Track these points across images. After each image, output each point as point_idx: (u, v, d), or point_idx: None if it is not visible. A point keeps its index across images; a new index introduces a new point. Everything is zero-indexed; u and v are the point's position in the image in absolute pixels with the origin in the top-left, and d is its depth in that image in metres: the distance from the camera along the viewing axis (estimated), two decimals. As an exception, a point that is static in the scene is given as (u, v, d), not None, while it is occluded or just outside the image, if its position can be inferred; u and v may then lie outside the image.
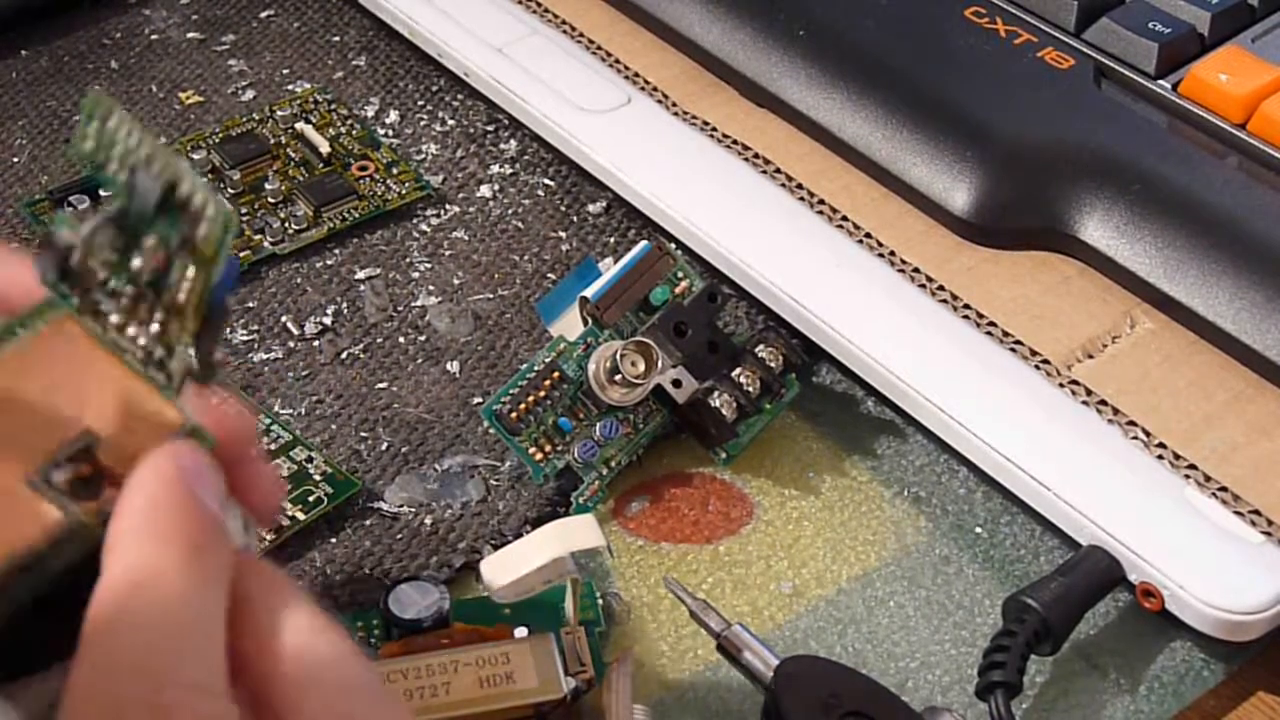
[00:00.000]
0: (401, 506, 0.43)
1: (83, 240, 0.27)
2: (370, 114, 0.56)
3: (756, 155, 0.50)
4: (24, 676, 0.25)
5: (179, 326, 0.27)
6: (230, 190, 0.52)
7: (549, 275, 0.50)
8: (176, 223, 0.26)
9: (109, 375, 0.27)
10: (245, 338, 0.47)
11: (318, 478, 0.43)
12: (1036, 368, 0.44)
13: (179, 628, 0.24)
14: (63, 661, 0.24)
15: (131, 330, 0.27)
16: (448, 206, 0.52)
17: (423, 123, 0.55)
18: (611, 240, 0.51)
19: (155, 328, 0.27)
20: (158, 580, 0.24)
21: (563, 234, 0.51)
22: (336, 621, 0.26)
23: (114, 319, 0.27)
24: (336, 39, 0.59)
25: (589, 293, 0.43)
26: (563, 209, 0.52)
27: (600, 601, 0.40)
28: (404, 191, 0.52)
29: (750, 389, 0.43)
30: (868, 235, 0.47)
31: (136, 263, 0.27)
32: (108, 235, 0.27)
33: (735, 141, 0.50)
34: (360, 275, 0.50)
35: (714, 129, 0.51)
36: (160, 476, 0.25)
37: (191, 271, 0.26)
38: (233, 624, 0.25)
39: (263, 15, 0.60)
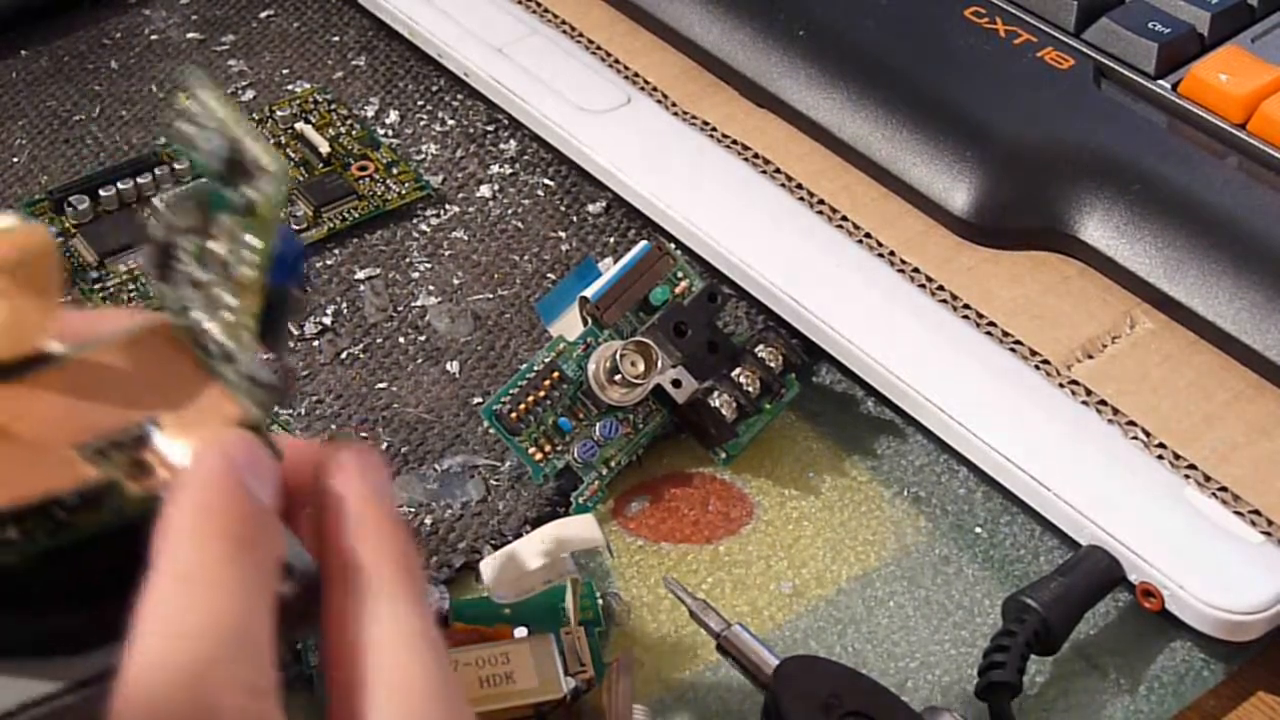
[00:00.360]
0: (401, 506, 0.43)
1: (165, 224, 0.28)
2: (370, 114, 0.56)
3: (756, 155, 0.50)
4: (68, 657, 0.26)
5: (244, 309, 0.27)
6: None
7: (549, 275, 0.50)
8: (238, 187, 0.27)
9: (185, 371, 0.28)
10: (245, 338, 0.47)
11: (318, 478, 0.43)
12: (1036, 368, 0.44)
13: (223, 626, 0.24)
14: (108, 645, 0.25)
15: (208, 323, 0.28)
16: (448, 206, 0.52)
17: (423, 123, 0.55)
18: (611, 240, 0.51)
19: (227, 315, 0.27)
20: (202, 577, 0.24)
21: (563, 234, 0.51)
22: (433, 630, 0.26)
23: (195, 312, 0.28)
24: (336, 39, 0.59)
25: (589, 293, 0.43)
26: (563, 209, 0.52)
27: (600, 601, 0.40)
28: (404, 191, 0.52)
29: (750, 389, 0.43)
30: (868, 235, 0.47)
31: (212, 245, 0.28)
32: (189, 218, 0.28)
33: (735, 141, 0.50)
34: (360, 275, 0.50)
35: (714, 129, 0.51)
36: (208, 469, 0.25)
37: (251, 239, 0.27)
38: (328, 609, 0.25)
39: (263, 15, 0.60)
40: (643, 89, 0.53)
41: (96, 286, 0.48)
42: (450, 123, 0.55)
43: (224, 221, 0.27)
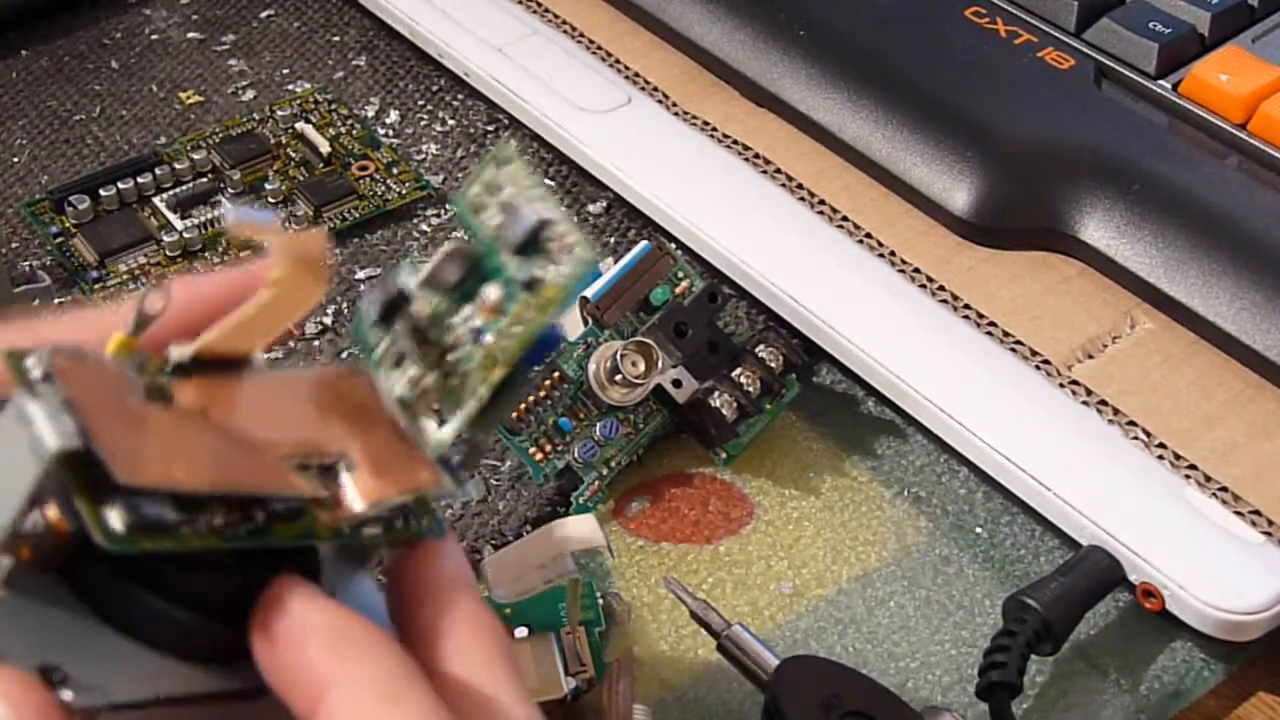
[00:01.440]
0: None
1: (428, 277, 0.28)
2: (370, 114, 0.56)
3: (756, 155, 0.50)
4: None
5: (481, 380, 0.27)
6: (230, 190, 0.52)
7: (549, 275, 0.50)
8: (532, 262, 0.27)
9: (377, 423, 0.27)
10: (245, 338, 0.47)
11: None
12: (1036, 368, 0.44)
13: None
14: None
15: (426, 380, 0.27)
16: (448, 206, 0.52)
17: (423, 123, 0.55)
18: (611, 240, 0.51)
19: (454, 380, 0.27)
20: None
21: (563, 234, 0.51)
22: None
23: (412, 371, 0.28)
24: (336, 39, 0.59)
25: (589, 293, 0.43)
26: (563, 209, 0.52)
27: (600, 601, 0.40)
28: (404, 191, 0.52)
29: (750, 389, 0.43)
30: (868, 235, 0.47)
31: (467, 310, 0.27)
32: (452, 276, 0.28)
33: (735, 141, 0.50)
34: (360, 275, 0.50)
35: (714, 129, 0.51)
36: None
37: (526, 314, 0.27)
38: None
39: (263, 15, 0.60)
40: (643, 89, 0.53)
41: (96, 286, 0.48)
42: (450, 122, 0.55)
43: (490, 291, 0.27)
